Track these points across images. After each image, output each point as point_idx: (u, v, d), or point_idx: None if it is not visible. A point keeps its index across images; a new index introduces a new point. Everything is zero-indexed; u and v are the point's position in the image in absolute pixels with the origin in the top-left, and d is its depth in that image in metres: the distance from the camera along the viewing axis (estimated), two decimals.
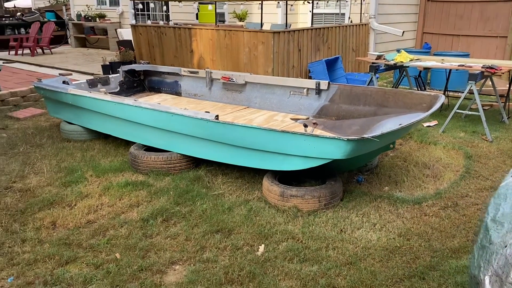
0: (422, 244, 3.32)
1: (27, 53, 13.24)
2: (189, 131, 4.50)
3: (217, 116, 4.22)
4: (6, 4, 24.18)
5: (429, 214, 3.80)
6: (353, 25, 9.33)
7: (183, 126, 4.51)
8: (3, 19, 15.28)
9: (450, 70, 7.04)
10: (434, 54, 8.75)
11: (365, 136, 3.44)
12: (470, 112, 6.28)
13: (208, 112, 4.36)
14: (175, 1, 9.47)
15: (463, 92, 5.98)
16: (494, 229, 2.07)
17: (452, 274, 2.94)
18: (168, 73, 6.87)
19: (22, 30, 14.94)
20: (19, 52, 13.27)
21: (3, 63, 11.63)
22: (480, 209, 3.85)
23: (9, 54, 13.32)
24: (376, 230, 3.53)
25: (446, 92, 7.30)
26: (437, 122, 6.37)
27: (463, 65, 6.24)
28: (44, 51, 13.61)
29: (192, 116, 4.36)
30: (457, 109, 6.04)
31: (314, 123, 3.96)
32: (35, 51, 13.20)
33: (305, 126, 3.84)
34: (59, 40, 15.22)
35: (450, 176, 4.56)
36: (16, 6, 23.28)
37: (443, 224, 3.62)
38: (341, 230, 3.53)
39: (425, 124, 6.26)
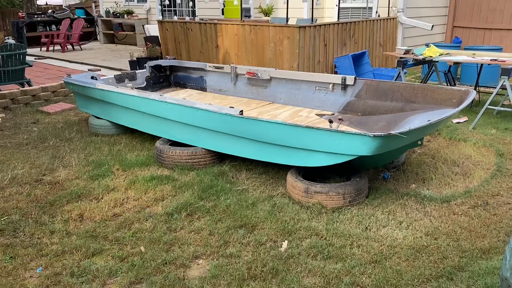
0: (451, 244, 3.23)
1: (58, 49, 13.58)
2: (214, 126, 4.51)
3: (241, 111, 4.21)
4: (39, 2, 24.85)
5: (458, 213, 3.70)
6: (380, 19, 9.15)
7: (207, 121, 4.52)
8: (35, 16, 15.70)
9: (482, 65, 6.81)
10: (465, 49, 8.49)
11: (392, 132, 3.37)
12: (502, 108, 6.06)
13: (233, 107, 4.36)
14: None
15: (495, 88, 5.79)
16: None
17: (482, 276, 2.85)
18: (194, 69, 6.91)
19: (53, 26, 15.32)
20: (50, 48, 13.62)
21: (35, 59, 11.96)
22: None
23: (40, 50, 13.69)
24: (402, 228, 3.46)
25: (477, 88, 7.08)
26: (467, 119, 6.19)
27: (495, 60, 6.03)
28: (74, 47, 13.93)
29: (216, 111, 4.37)
30: (489, 105, 5.85)
31: (339, 119, 3.90)
32: (66, 47, 13.52)
33: (330, 122, 3.79)
34: (88, 36, 15.54)
35: (480, 174, 4.42)
36: (47, 3, 23.88)
37: (472, 224, 3.51)
38: (366, 227, 3.47)
39: (455, 121, 6.09)
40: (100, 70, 10.25)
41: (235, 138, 4.41)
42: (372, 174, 4.46)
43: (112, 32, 15.12)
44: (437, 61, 6.60)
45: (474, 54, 6.68)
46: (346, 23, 8.33)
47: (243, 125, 4.22)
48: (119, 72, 8.45)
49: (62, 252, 3.25)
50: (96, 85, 5.63)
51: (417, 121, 4.32)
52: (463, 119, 6.18)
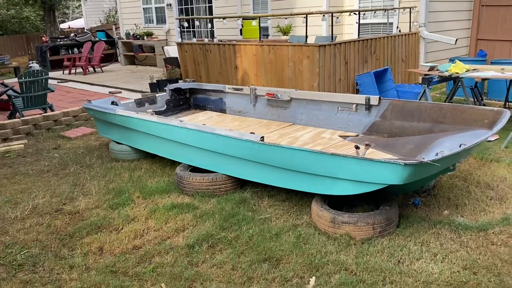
0: (492, 280, 3.00)
1: (80, 72, 13.81)
2: (235, 153, 4.39)
3: (262, 137, 4.08)
4: (62, 25, 25.56)
5: (496, 243, 3.45)
6: (402, 35, 8.96)
7: (228, 147, 4.41)
8: (58, 40, 16.06)
9: (511, 80, 6.54)
10: (491, 62, 8.22)
11: (425, 160, 3.18)
12: None
13: (253, 133, 4.24)
14: (219, 18, 9.51)
15: None
16: None
17: None
18: (213, 91, 6.85)
19: (75, 50, 15.64)
20: (72, 71, 13.86)
21: (58, 82, 12.16)
22: None
23: (63, 73, 13.95)
24: (438, 261, 3.24)
25: (507, 104, 6.81)
26: (498, 137, 5.91)
27: None
28: (96, 69, 14.14)
29: (237, 138, 4.25)
30: None
31: (366, 144, 3.72)
32: (87, 70, 13.73)
33: (357, 147, 3.62)
34: (109, 58, 15.80)
35: None
36: (70, 26, 24.54)
37: None
38: (399, 261, 3.26)
39: None
40: (121, 92, 10.33)
41: (256, 164, 4.28)
42: (401, 199, 4.24)
43: (132, 53, 15.33)
44: (464, 77, 6.37)
45: (502, 69, 6.43)
46: (367, 39, 8.18)
47: (264, 151, 4.09)
48: (140, 95, 8.48)
49: None
50: (116, 111, 5.60)
51: (447, 143, 4.11)
52: (493, 137, 5.91)
